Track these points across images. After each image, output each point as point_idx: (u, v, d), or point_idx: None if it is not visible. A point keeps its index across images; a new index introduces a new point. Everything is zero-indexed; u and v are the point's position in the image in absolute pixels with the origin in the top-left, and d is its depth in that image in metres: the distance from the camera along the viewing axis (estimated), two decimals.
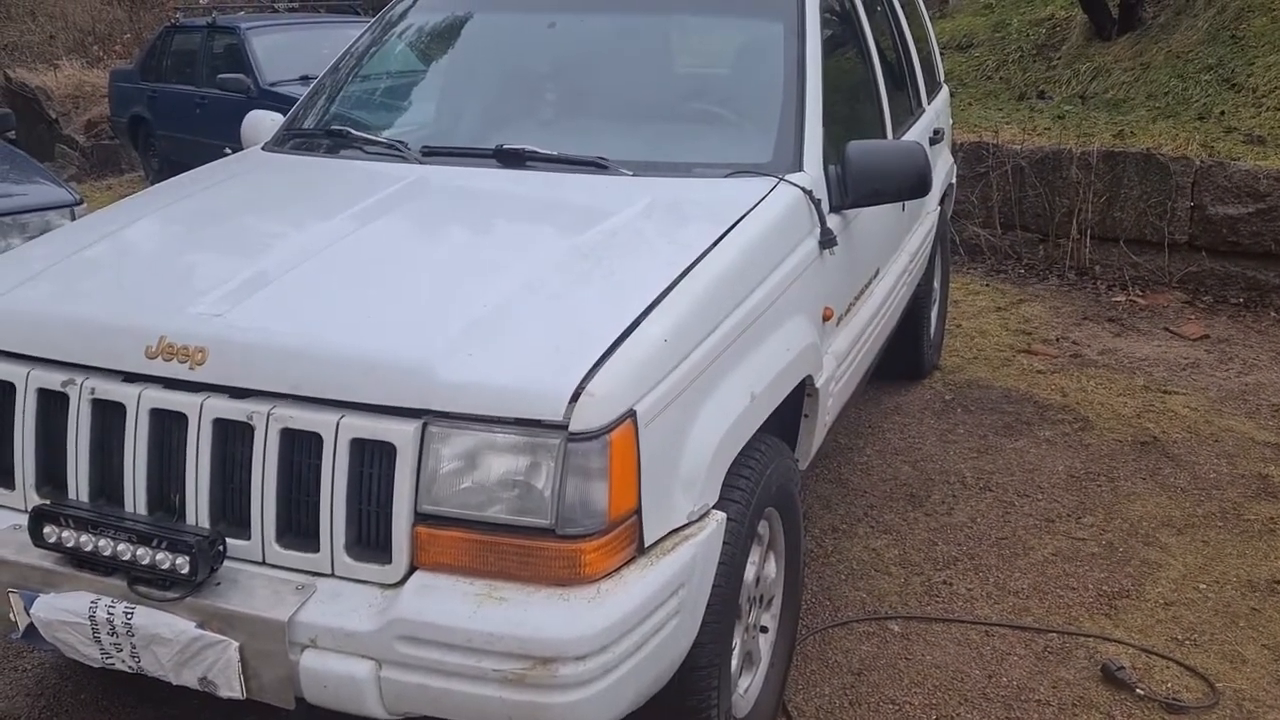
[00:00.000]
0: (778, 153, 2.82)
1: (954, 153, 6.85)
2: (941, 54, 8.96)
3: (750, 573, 2.45)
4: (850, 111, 3.47)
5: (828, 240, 2.75)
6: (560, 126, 3.09)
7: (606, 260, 2.25)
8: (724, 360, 2.18)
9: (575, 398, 1.83)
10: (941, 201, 4.88)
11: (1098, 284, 6.39)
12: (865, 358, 3.33)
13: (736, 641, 2.41)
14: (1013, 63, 8.67)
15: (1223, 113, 6.84)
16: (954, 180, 5.20)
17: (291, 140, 3.22)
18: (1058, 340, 5.46)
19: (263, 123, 3.44)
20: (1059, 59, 8.47)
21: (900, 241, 3.82)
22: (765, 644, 2.66)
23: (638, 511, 1.90)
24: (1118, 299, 6.14)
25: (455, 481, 1.86)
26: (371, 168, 2.91)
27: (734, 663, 2.40)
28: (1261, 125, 6.63)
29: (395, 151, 2.96)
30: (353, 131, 3.07)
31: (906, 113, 4.17)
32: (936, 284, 5.04)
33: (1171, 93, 7.35)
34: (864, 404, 4.63)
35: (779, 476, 2.46)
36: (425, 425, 1.87)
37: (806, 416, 2.77)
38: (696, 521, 2.04)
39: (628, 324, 1.99)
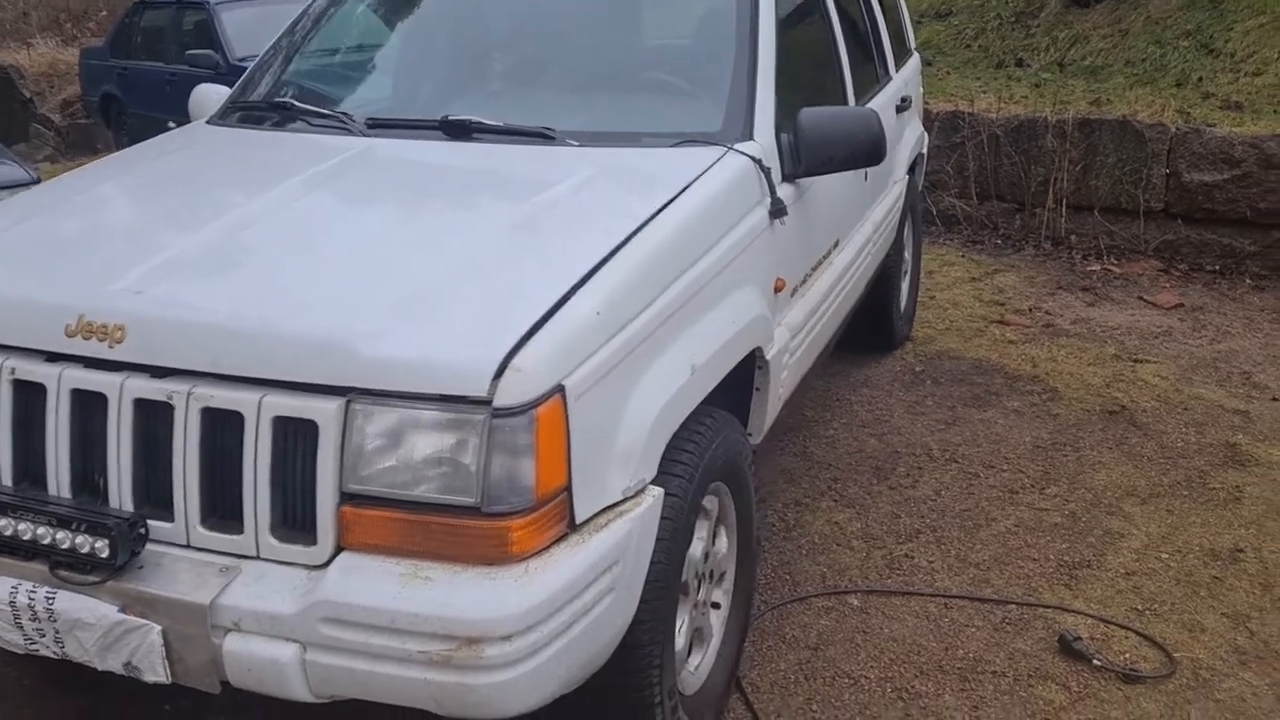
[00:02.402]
0: (727, 121, 2.77)
1: (930, 122, 6.81)
2: (919, 22, 8.94)
3: (697, 548, 2.42)
4: (809, 79, 3.42)
5: (778, 210, 2.70)
6: (509, 97, 3.03)
7: (543, 233, 2.20)
8: (663, 333, 2.14)
9: (500, 373, 1.79)
10: (911, 170, 4.83)
11: (1073, 253, 6.35)
12: (824, 329, 3.29)
13: (683, 619, 2.38)
14: (991, 30, 8.59)
15: (1200, 79, 6.79)
16: (925, 149, 5.15)
17: (236, 114, 3.16)
18: (1030, 310, 5.43)
19: (209, 96, 3.38)
20: (1038, 26, 8.40)
21: (863, 211, 3.77)
22: (717, 620, 2.63)
23: (568, 488, 1.86)
24: (1093, 268, 6.10)
25: (380, 460, 1.82)
26: (314, 140, 2.85)
27: (680, 640, 2.37)
28: (1239, 91, 6.58)
29: (339, 124, 2.90)
30: (296, 104, 3.00)
31: (872, 80, 4.11)
32: (907, 254, 5.00)
33: (1149, 59, 7.30)
34: (832, 376, 4.60)
35: (726, 450, 2.42)
36: (349, 403, 1.82)
37: (758, 389, 2.73)
38: (632, 498, 2.00)
39: (559, 297, 1.94)
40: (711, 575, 2.54)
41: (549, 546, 1.85)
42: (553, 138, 2.70)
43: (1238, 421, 4.17)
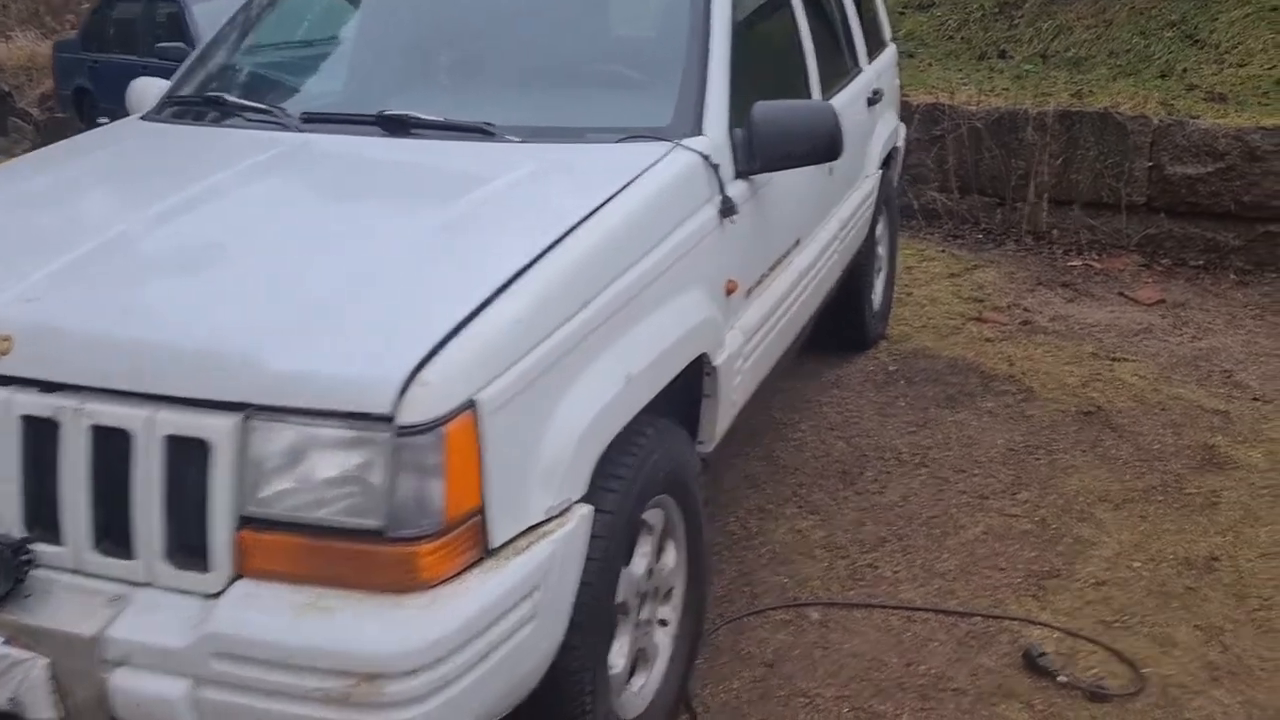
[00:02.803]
0: (677, 116, 2.65)
1: (910, 115, 6.68)
2: (902, 13, 8.81)
3: (639, 565, 2.31)
4: (769, 71, 3.30)
5: (728, 208, 2.58)
6: (452, 91, 2.91)
7: (469, 234, 2.08)
8: (595, 340, 2.02)
9: (405, 388, 1.67)
10: (886, 165, 4.71)
11: (1054, 248, 6.23)
12: (785, 331, 3.17)
13: (623, 640, 2.26)
14: (974, 21, 8.45)
15: (1185, 70, 6.67)
16: (901, 143, 5.02)
17: (170, 108, 3.03)
18: (1009, 307, 5.31)
19: (148, 90, 3.24)
20: (1021, 17, 8.26)
21: (829, 208, 3.65)
22: (665, 638, 2.51)
23: (482, 510, 1.74)
24: (1074, 263, 5.99)
25: (278, 481, 1.70)
26: (244, 136, 2.72)
27: (620, 662, 2.25)
28: (1223, 82, 6.46)
29: (273, 119, 2.77)
30: (228, 98, 2.87)
31: (840, 73, 3.99)
32: (882, 251, 4.88)
33: (1133, 50, 7.17)
34: (803, 376, 4.48)
35: (669, 462, 2.30)
36: (246, 420, 1.70)
37: (707, 396, 2.61)
38: (557, 518, 1.88)
39: (478, 303, 1.82)
40: (657, 592, 2.42)
41: (461, 572, 1.73)
42: (493, 133, 2.58)
43: (1217, 422, 4.06)
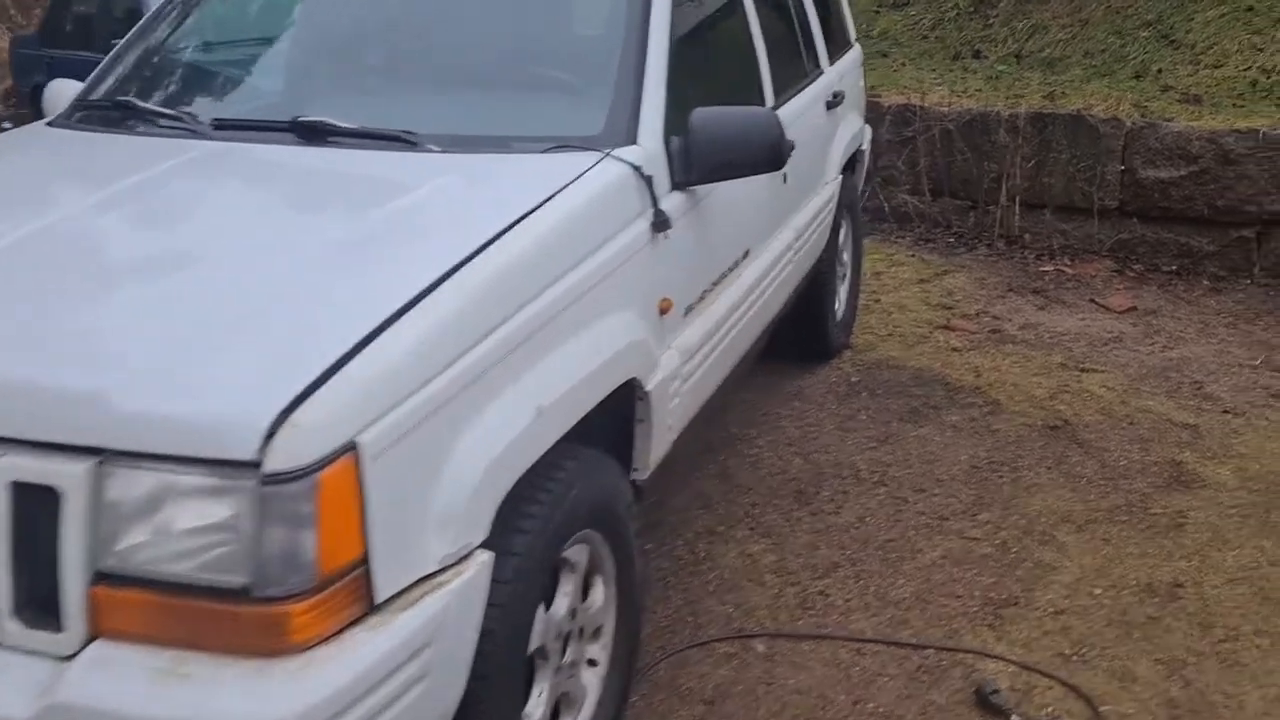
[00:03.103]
0: (610, 124, 2.50)
1: (881, 116, 6.55)
2: (876, 12, 8.67)
3: (561, 606, 2.16)
4: (717, 75, 3.16)
5: (661, 223, 2.43)
6: (377, 96, 2.75)
7: (367, 255, 1.93)
8: (501, 371, 1.87)
9: (274, 431, 1.51)
10: (850, 169, 4.57)
11: (1027, 253, 6.11)
12: (732, 349, 3.02)
13: (542, 687, 2.11)
14: (949, 21, 8.32)
15: (1160, 70, 6.55)
16: (866, 146, 4.89)
17: (79, 113, 2.86)
18: (978, 315, 5.18)
19: (64, 93, 3.07)
20: (996, 16, 8.13)
21: (783, 217, 3.50)
22: (593, 678, 2.37)
23: (364, 562, 1.59)
24: (1046, 269, 5.86)
25: (136, 533, 1.54)
26: (150, 144, 2.56)
27: (540, 711, 2.10)
28: (1198, 83, 6.35)
29: (184, 125, 2.61)
30: (138, 103, 2.71)
31: (798, 75, 3.85)
32: (847, 258, 4.74)
33: (1108, 50, 7.05)
34: (763, 389, 4.33)
35: (593, 496, 2.16)
36: (100, 465, 1.54)
37: (640, 422, 2.46)
38: (454, 566, 1.73)
39: (365, 334, 1.67)
40: (582, 632, 2.27)
41: (340, 631, 1.58)
42: (413, 143, 2.42)
43: (1185, 437, 3.93)
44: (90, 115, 2.81)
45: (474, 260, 1.88)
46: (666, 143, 2.56)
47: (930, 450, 3.85)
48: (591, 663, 2.38)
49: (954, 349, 4.77)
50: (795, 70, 3.82)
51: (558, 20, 2.83)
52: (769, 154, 2.55)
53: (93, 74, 3.03)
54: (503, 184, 2.25)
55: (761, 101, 3.34)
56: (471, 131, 2.51)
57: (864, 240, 5.02)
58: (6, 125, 3.01)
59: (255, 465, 1.51)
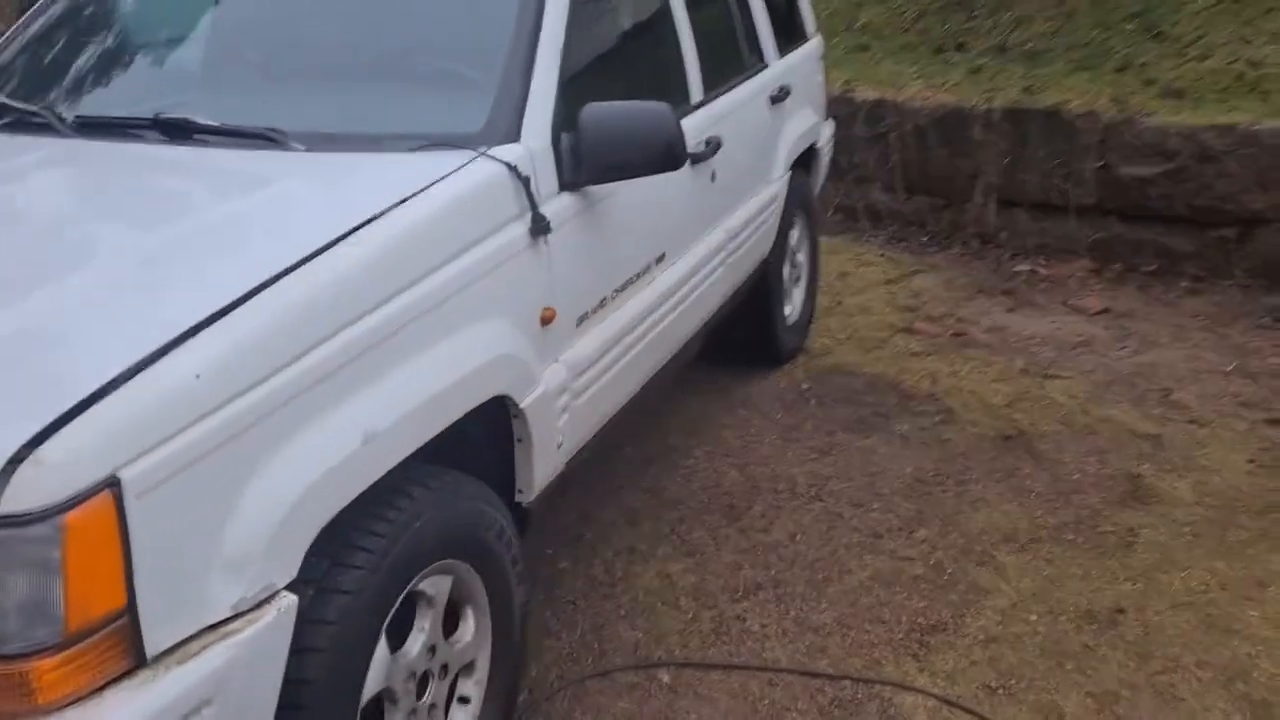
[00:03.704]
0: (491, 121, 2.33)
1: (855, 112, 6.36)
2: (859, 4, 8.47)
3: (416, 643, 1.99)
4: (627, 70, 2.98)
5: (540, 227, 2.25)
6: (252, 92, 2.59)
7: (177, 266, 1.77)
8: (317, 395, 1.70)
9: (13, 467, 1.35)
10: (806, 166, 4.39)
11: (1002, 252, 5.90)
12: (643, 360, 2.85)
13: None
14: (932, 13, 8.09)
15: (1144, 64, 6.32)
16: (824, 143, 4.69)
17: None
18: (943, 317, 4.99)
19: None
20: (982, 7, 7.92)
21: (712, 217, 3.32)
22: (466, 717, 2.20)
23: (129, 612, 1.43)
24: (1020, 269, 5.66)
25: None
26: (4, 142, 2.40)
27: None
28: (1182, 77, 6.12)
29: (45, 122, 2.45)
30: (5, 100, 2.55)
31: (734, 70, 3.67)
32: (801, 258, 4.56)
33: (1092, 43, 6.83)
34: (709, 395, 4.16)
35: (449, 524, 1.99)
36: None
37: (519, 441, 2.29)
38: (249, 612, 1.56)
39: (137, 361, 1.50)
40: (446, 669, 2.11)
41: (100, 689, 1.41)
42: (278, 140, 2.26)
43: (1146, 448, 3.74)
44: None
45: (288, 275, 1.72)
46: (556, 141, 2.39)
47: (874, 462, 3.67)
48: (464, 700, 2.21)
49: (913, 353, 4.58)
50: (731, 64, 3.64)
51: (447, 11, 2.65)
52: (664, 153, 2.38)
53: None
54: (354, 187, 2.08)
55: (686, 97, 3.17)
56: (345, 129, 2.34)
57: (820, 240, 4.82)
58: None
59: None
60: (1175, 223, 5.45)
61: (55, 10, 2.88)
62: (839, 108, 6.42)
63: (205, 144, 2.31)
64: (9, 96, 2.57)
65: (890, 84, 6.67)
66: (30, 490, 1.35)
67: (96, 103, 2.60)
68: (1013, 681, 2.62)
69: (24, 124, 2.49)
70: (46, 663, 1.36)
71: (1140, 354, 4.58)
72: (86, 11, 2.86)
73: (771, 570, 3.08)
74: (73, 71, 2.73)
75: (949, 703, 2.55)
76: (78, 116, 2.46)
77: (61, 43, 2.81)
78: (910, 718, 2.50)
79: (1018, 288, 5.40)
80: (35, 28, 2.84)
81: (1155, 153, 5.40)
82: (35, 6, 2.93)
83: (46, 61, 2.77)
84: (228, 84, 2.63)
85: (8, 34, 2.92)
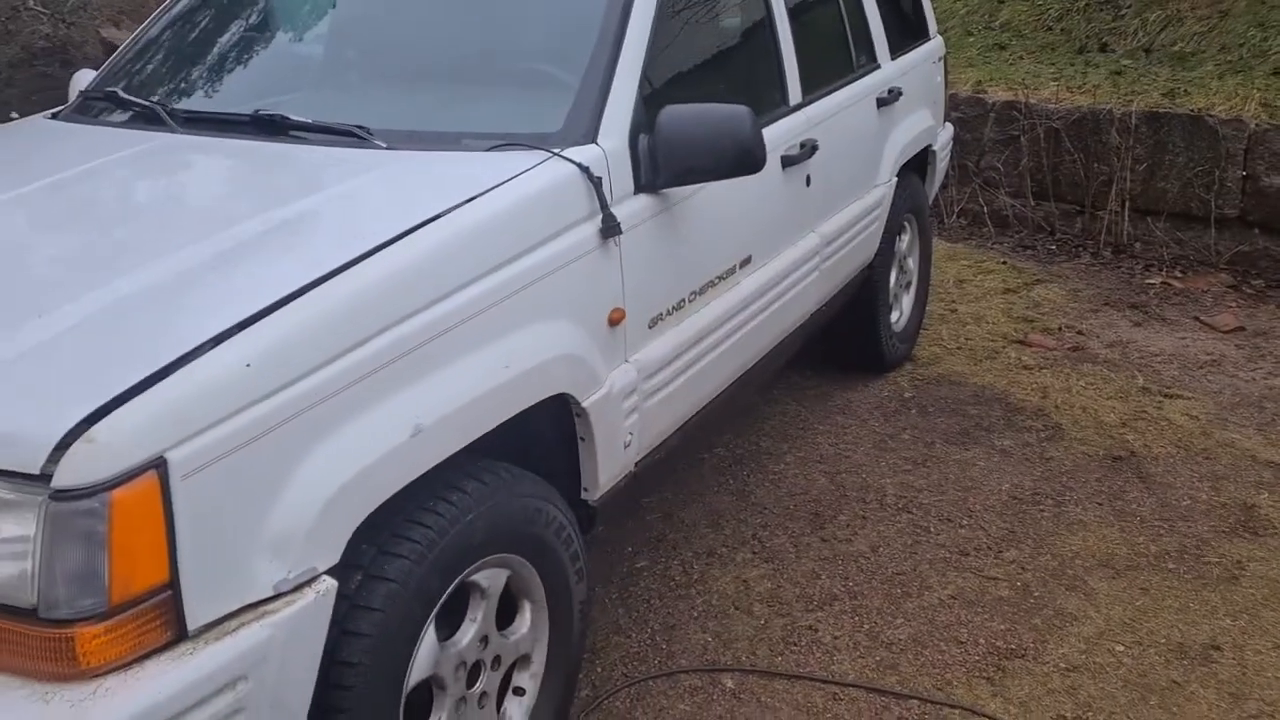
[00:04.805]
0: (569, 121, 2.36)
1: (985, 114, 6.18)
2: (1001, 1, 8.21)
3: (468, 633, 2.04)
4: (720, 72, 2.96)
5: (611, 228, 2.27)
6: (343, 89, 2.69)
7: (249, 259, 1.85)
8: (368, 387, 1.75)
9: (66, 444, 1.44)
10: (914, 172, 4.29)
11: (1135, 263, 5.65)
12: (723, 362, 2.83)
13: (440, 716, 2.00)
14: (1078, 11, 7.79)
15: None
16: (940, 146, 4.58)
17: (79, 104, 2.88)
18: (1061, 330, 4.80)
19: (80, 84, 3.12)
20: (1128, 6, 7.58)
21: (806, 221, 3.27)
22: (519, 709, 2.24)
23: (172, 586, 1.50)
24: (1152, 281, 5.40)
25: None
26: (115, 136, 2.55)
27: None
28: None
29: (156, 117, 2.59)
30: (122, 94, 2.71)
31: (840, 71, 3.61)
32: (911, 265, 4.46)
33: (1247, 44, 6.46)
34: (809, 399, 4.11)
35: (500, 519, 2.02)
36: None
37: (583, 440, 2.31)
38: (289, 593, 1.63)
39: (199, 344, 1.58)
40: (499, 661, 2.15)
41: (141, 659, 1.49)
42: (363, 138, 2.34)
43: (1267, 477, 3.53)
44: (86, 107, 2.84)
45: (344, 272, 1.77)
46: (634, 143, 2.40)
47: (970, 476, 3.57)
48: (519, 691, 2.25)
49: (1025, 366, 4.42)
50: (836, 66, 3.58)
51: (533, 13, 2.69)
52: (740, 156, 2.36)
53: (103, 67, 3.06)
54: (424, 185, 2.13)
55: (784, 100, 3.14)
56: (427, 127, 2.40)
57: (936, 246, 4.70)
58: (14, 115, 3.06)
59: (46, 479, 1.43)
60: None
61: (171, 14, 3.03)
62: (969, 108, 6.26)
63: (297, 140, 2.40)
64: (128, 93, 2.71)
65: (1025, 85, 6.45)
66: (82, 467, 1.43)
67: (203, 99, 2.73)
68: (1090, 714, 2.52)
69: (139, 118, 2.64)
70: (91, 630, 1.45)
71: (1274, 376, 4.32)
72: (198, 14, 3.01)
73: (849, 581, 3.03)
74: (184, 70, 2.88)
75: None
76: (185, 112, 2.58)
77: (177, 42, 2.97)
78: None
79: (1148, 301, 5.15)
80: (155, 28, 3.00)
81: None
82: (156, 12, 3.09)
83: (163, 60, 2.93)
84: (325, 83, 2.73)
85: (132, 36, 3.09)
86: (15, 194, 2.13)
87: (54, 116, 2.89)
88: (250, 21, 2.98)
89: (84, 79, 3.11)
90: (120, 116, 2.67)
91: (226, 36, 2.94)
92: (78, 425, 1.45)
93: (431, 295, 1.88)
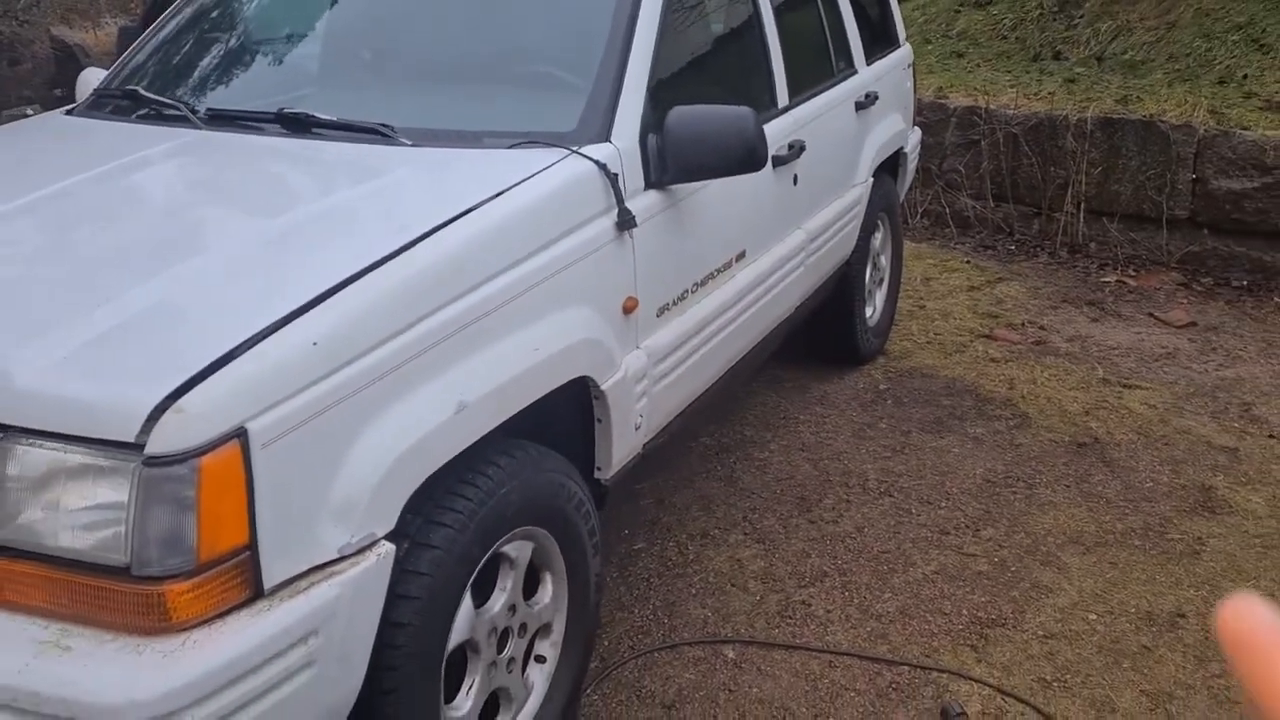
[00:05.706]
0: (584, 120, 2.49)
1: (947, 119, 6.40)
2: (958, 10, 8.47)
3: (499, 601, 2.17)
4: (715, 74, 3.12)
5: (626, 221, 2.41)
6: (366, 88, 2.80)
7: (295, 247, 1.97)
8: (418, 366, 1.88)
9: (158, 414, 1.55)
10: (887, 172, 4.47)
11: (1090, 262, 5.89)
12: (719, 350, 2.99)
13: (471, 680, 2.13)
14: (1031, 21, 8.07)
15: (1245, 76, 6.25)
16: (910, 149, 4.77)
17: (94, 101, 2.97)
18: (1024, 325, 5.02)
19: (89, 81, 3.19)
20: (1081, 16, 7.87)
21: (793, 219, 3.44)
22: (540, 675, 2.37)
23: (251, 548, 1.62)
24: (1107, 279, 5.65)
25: (28, 507, 1.60)
26: (141, 132, 2.64)
27: (468, 704, 2.12)
28: None
29: (181, 114, 2.69)
30: (143, 92, 2.80)
31: (821, 75, 3.78)
32: (884, 262, 4.65)
33: (1194, 54, 6.76)
34: (787, 391, 4.28)
35: (529, 493, 2.15)
36: (1, 441, 1.60)
37: (599, 421, 2.45)
38: (351, 556, 1.75)
39: (267, 325, 1.70)
40: (524, 628, 2.28)
41: (224, 615, 1.61)
42: (388, 135, 2.46)
43: (1222, 460, 3.75)
44: (103, 103, 2.92)
45: (395, 258, 1.90)
46: (643, 141, 2.54)
47: (946, 462, 3.75)
48: (539, 659, 2.38)
49: (992, 359, 4.63)
50: (818, 71, 3.75)
51: (546, 19, 2.82)
52: (745, 155, 2.51)
53: (115, 64, 3.14)
54: (456, 179, 2.26)
55: (772, 102, 3.30)
56: (448, 126, 2.53)
57: (905, 245, 4.90)
58: (30, 111, 3.13)
59: (139, 447, 1.55)
60: (1271, 237, 5.40)
61: (187, 10, 3.12)
62: (931, 113, 6.48)
63: (322, 137, 2.52)
64: (147, 90, 2.80)
65: (984, 91, 6.69)
66: (173, 435, 1.55)
67: (225, 97, 2.83)
68: (1068, 676, 2.70)
69: (160, 115, 2.74)
70: (180, 587, 1.56)
71: (1225, 368, 4.57)
72: (214, 13, 3.10)
73: (838, 559, 3.19)
74: (203, 68, 2.97)
75: (1003, 692, 2.64)
76: (209, 109, 2.68)
77: (194, 41, 3.06)
78: (965, 704, 2.60)
79: (1104, 298, 5.39)
80: (170, 26, 3.09)
81: (1252, 166, 5.36)
82: (170, 7, 3.18)
83: (181, 58, 3.02)
84: (345, 82, 2.84)
85: (145, 33, 3.18)
86: (60, 186, 2.22)
87: (69, 113, 2.97)
88: (262, 22, 3.08)
89: (93, 77, 3.19)
90: (141, 113, 2.75)
91: (240, 36, 3.04)
92: (167, 397, 1.56)
93: (472, 281, 2.01)
